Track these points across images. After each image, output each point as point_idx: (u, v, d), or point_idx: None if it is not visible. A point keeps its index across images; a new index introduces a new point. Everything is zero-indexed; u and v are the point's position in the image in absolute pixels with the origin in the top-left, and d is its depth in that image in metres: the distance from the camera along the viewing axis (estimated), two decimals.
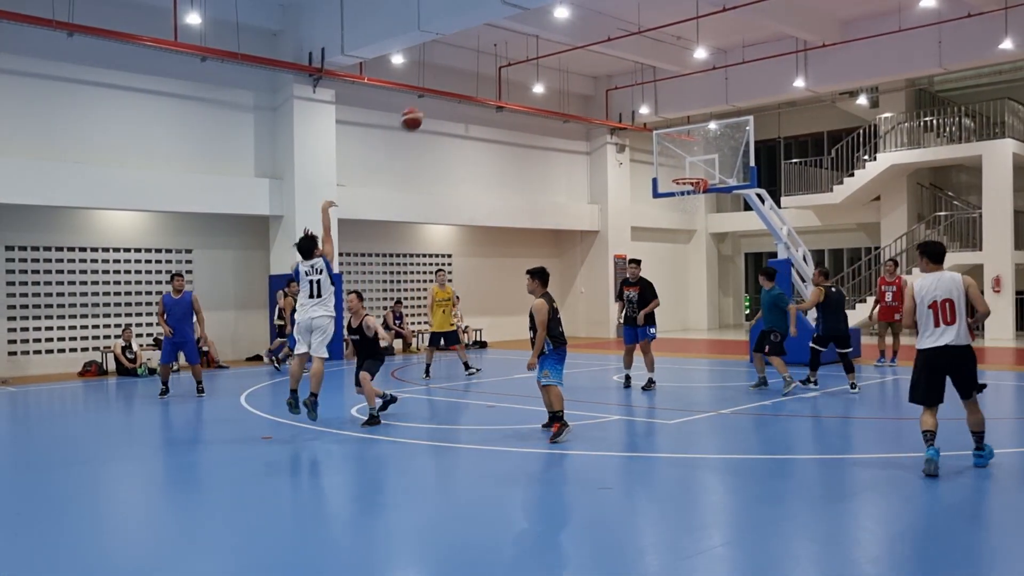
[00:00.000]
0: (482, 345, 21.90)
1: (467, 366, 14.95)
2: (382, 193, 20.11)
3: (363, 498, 6.91)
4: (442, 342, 14.98)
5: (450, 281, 15.29)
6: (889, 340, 15.79)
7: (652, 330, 12.51)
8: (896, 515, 6.22)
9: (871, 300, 22.66)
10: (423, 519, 6.15)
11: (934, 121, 22.69)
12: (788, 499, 6.61)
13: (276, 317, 17.42)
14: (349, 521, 6.34)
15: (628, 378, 12.86)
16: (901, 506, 6.44)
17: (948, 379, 7.19)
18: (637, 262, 12.70)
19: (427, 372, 14.75)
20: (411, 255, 22.18)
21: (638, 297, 12.37)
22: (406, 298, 21.79)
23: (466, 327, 21.89)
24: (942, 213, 23.11)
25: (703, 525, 6.00)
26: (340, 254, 19.64)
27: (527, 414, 10.66)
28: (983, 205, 21.43)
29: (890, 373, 14.53)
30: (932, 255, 7.33)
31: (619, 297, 12.86)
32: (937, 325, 7.05)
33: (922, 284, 7.16)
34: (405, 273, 22.01)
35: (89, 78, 16.14)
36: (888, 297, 15.69)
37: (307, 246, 9.47)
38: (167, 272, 17.90)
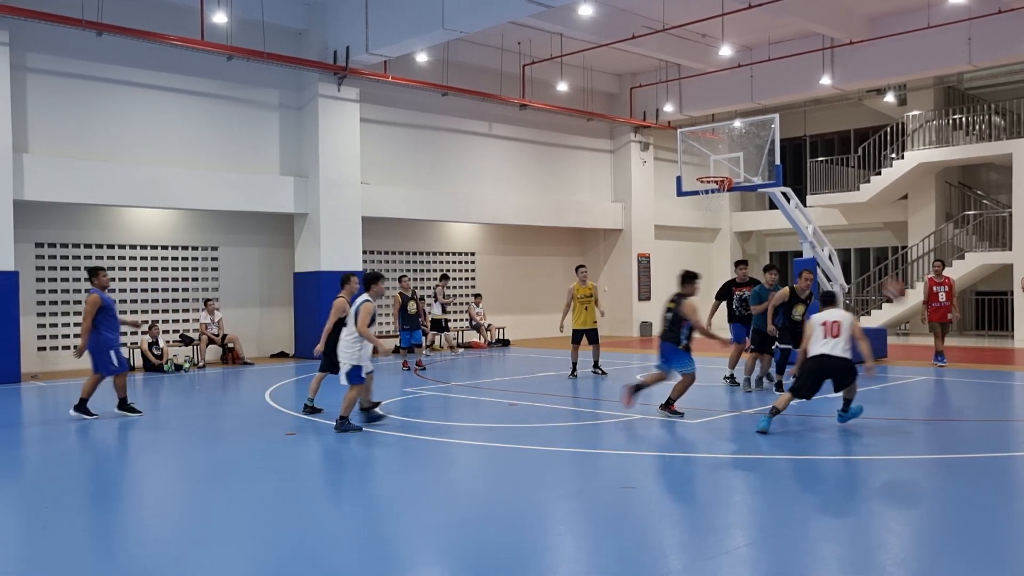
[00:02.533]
0: (505, 343, 21.91)
1: (596, 365, 14.50)
2: (405, 191, 20.18)
3: (383, 495, 6.93)
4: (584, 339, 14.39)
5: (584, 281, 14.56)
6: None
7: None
8: (922, 517, 6.15)
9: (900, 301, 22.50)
10: (442, 517, 6.16)
11: (963, 119, 22.39)
12: (813, 499, 6.55)
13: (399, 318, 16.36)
14: (369, 518, 6.37)
15: (733, 378, 12.83)
16: (927, 507, 6.37)
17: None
18: (745, 263, 13.26)
19: (574, 371, 14.28)
20: (434, 253, 22.24)
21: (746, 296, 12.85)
22: (429, 296, 21.83)
23: (488, 324, 21.92)
24: (971, 212, 22.82)
25: (727, 525, 5.97)
26: (364, 251, 19.72)
27: (549, 412, 10.65)
28: (1013, 204, 21.12)
29: (945, 374, 14.20)
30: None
31: (722, 298, 13.16)
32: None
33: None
34: (428, 271, 22.07)
35: (116, 77, 16.32)
36: (941, 297, 15.41)
37: (366, 280, 9.67)
38: (193, 269, 18.10)
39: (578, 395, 12.40)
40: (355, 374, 9.35)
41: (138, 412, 10.81)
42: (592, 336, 14.36)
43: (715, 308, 13.20)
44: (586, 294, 14.31)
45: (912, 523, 6.01)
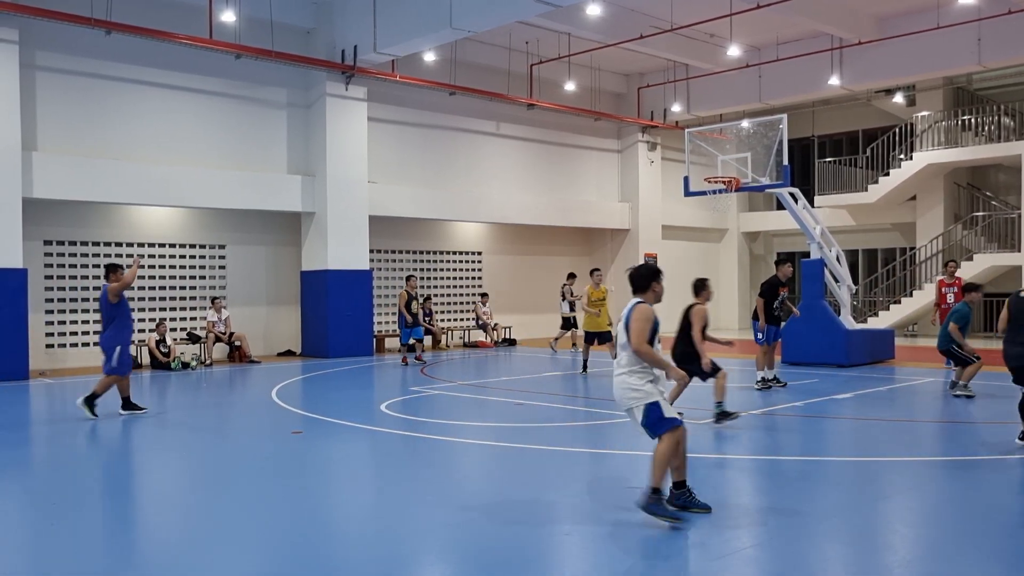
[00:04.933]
0: (511, 343, 21.91)
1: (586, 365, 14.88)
2: (413, 190, 20.19)
3: (389, 494, 6.94)
4: (596, 340, 14.73)
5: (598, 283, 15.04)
6: None
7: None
8: (929, 518, 6.13)
9: (907, 301, 22.45)
10: (447, 516, 6.15)
11: (972, 120, 22.31)
12: (819, 500, 6.53)
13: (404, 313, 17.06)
14: (375, 516, 6.36)
15: (771, 380, 12.35)
16: (933, 509, 6.35)
17: None
18: (788, 262, 12.76)
19: (585, 367, 14.84)
20: (441, 252, 22.25)
21: (786, 298, 12.47)
22: (436, 295, 21.85)
23: (495, 324, 21.92)
24: (979, 213, 22.73)
25: (733, 526, 5.95)
26: (371, 251, 19.73)
27: (555, 412, 10.64)
28: (1022, 205, 21.04)
29: (954, 376, 14.02)
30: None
31: (768, 295, 12.40)
32: None
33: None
34: (435, 270, 22.08)
35: (125, 75, 16.37)
36: (950, 299, 15.11)
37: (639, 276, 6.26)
38: (201, 267, 18.15)
39: (584, 395, 12.39)
40: (654, 416, 5.92)
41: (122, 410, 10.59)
42: (604, 339, 14.52)
43: (762, 305, 12.42)
44: (599, 297, 14.74)
45: (918, 525, 5.99)
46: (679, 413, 6.03)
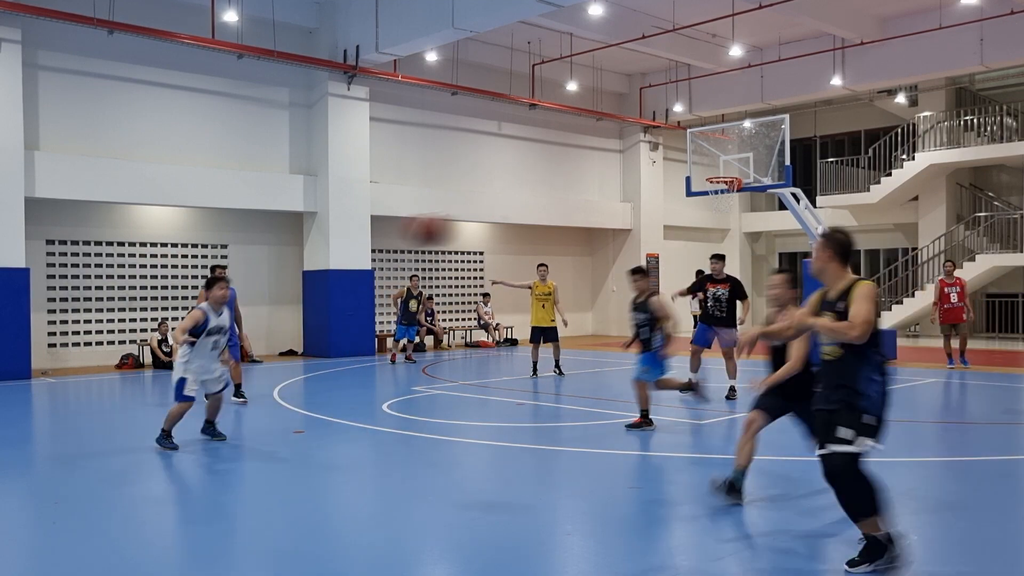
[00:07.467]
0: (512, 343, 21.91)
1: (556, 365, 14.66)
2: (415, 190, 20.19)
3: (391, 493, 6.94)
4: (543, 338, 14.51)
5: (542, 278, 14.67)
6: (955, 343, 15.22)
7: (736, 334, 11.26)
8: (930, 519, 6.13)
9: (910, 302, 22.42)
10: (449, 516, 6.16)
11: (975, 120, 22.29)
12: (820, 501, 6.53)
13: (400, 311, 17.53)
14: (376, 516, 6.37)
15: (690, 383, 11.10)
16: (936, 510, 6.34)
17: None
18: (721, 257, 11.66)
19: (535, 370, 14.46)
20: (443, 252, 22.25)
21: (728, 296, 11.29)
22: (438, 295, 21.86)
23: (497, 324, 21.93)
24: (982, 214, 22.71)
25: (734, 526, 5.95)
26: (373, 250, 19.74)
27: (556, 412, 10.64)
28: None
29: (956, 376, 14.10)
30: None
31: (694, 292, 11.78)
32: None
33: None
34: (437, 270, 22.09)
35: (127, 75, 16.39)
36: (953, 298, 15.24)
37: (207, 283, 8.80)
38: (203, 267, 18.16)
39: (585, 395, 12.39)
40: (178, 388, 8.42)
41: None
42: (549, 335, 14.44)
43: (683, 294, 11.93)
44: (544, 292, 14.46)
45: (920, 526, 5.98)
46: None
